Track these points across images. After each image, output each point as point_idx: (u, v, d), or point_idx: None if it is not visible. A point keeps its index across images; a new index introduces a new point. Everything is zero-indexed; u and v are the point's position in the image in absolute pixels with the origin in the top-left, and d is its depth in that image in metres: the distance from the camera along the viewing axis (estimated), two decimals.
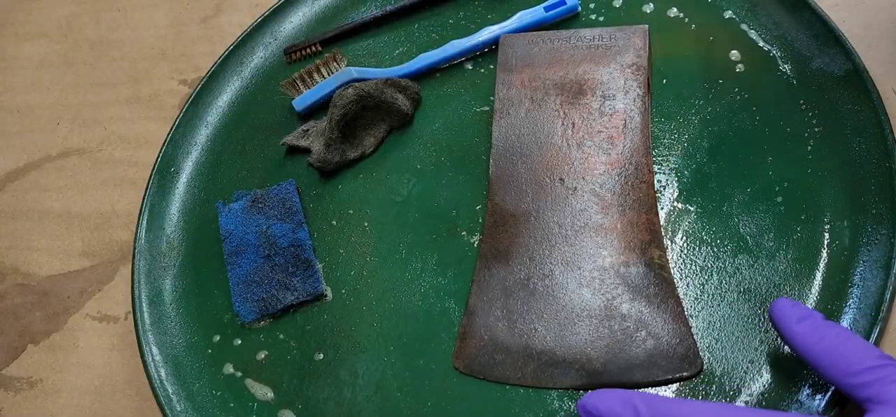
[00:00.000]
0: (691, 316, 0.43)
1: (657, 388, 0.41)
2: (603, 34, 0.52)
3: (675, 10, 0.53)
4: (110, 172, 0.60)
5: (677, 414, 0.34)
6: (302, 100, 0.55)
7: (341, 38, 0.59)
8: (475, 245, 0.48)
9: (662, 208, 0.46)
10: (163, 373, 0.47)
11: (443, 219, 0.49)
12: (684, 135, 0.49)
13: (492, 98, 0.53)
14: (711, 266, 0.44)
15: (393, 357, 0.45)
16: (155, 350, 0.48)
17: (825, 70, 0.48)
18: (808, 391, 0.39)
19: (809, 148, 0.46)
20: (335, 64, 0.56)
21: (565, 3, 0.55)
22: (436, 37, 0.57)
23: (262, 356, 0.47)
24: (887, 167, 0.44)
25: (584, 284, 0.44)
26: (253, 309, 0.48)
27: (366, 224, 0.51)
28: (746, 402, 0.40)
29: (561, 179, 0.48)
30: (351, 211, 0.51)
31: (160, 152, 0.55)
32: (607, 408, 0.35)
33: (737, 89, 0.49)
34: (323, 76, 0.56)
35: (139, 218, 0.53)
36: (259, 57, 0.60)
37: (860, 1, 0.53)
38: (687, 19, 0.53)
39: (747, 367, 0.41)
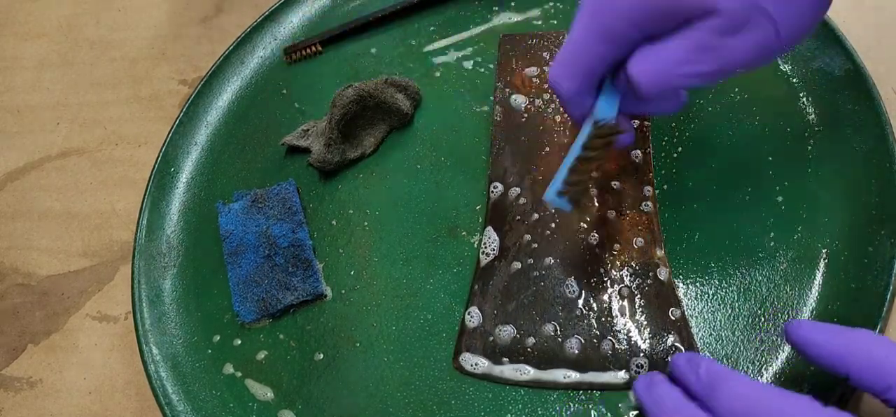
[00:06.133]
0: (691, 316, 0.43)
1: None
2: None
3: None
4: (110, 172, 0.60)
5: (731, 387, 0.34)
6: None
7: (341, 38, 0.59)
8: (475, 245, 0.48)
9: (662, 208, 0.46)
10: (163, 373, 0.47)
11: (443, 219, 0.49)
12: (684, 134, 0.49)
13: (492, 98, 0.53)
14: (711, 266, 0.44)
15: (393, 357, 0.45)
16: (155, 350, 0.48)
17: (825, 70, 0.48)
18: (810, 389, 0.39)
19: (809, 148, 0.46)
20: None
21: None
22: (436, 36, 0.57)
23: (262, 356, 0.47)
24: (887, 167, 0.44)
25: (585, 284, 0.44)
26: (253, 309, 0.48)
27: (366, 224, 0.51)
28: None
29: None
30: (351, 211, 0.51)
31: (160, 152, 0.55)
32: (673, 361, 0.38)
33: (737, 89, 0.49)
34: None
35: (139, 219, 0.53)
36: (259, 57, 0.60)
37: (860, 1, 0.53)
38: None
39: (748, 367, 0.41)
